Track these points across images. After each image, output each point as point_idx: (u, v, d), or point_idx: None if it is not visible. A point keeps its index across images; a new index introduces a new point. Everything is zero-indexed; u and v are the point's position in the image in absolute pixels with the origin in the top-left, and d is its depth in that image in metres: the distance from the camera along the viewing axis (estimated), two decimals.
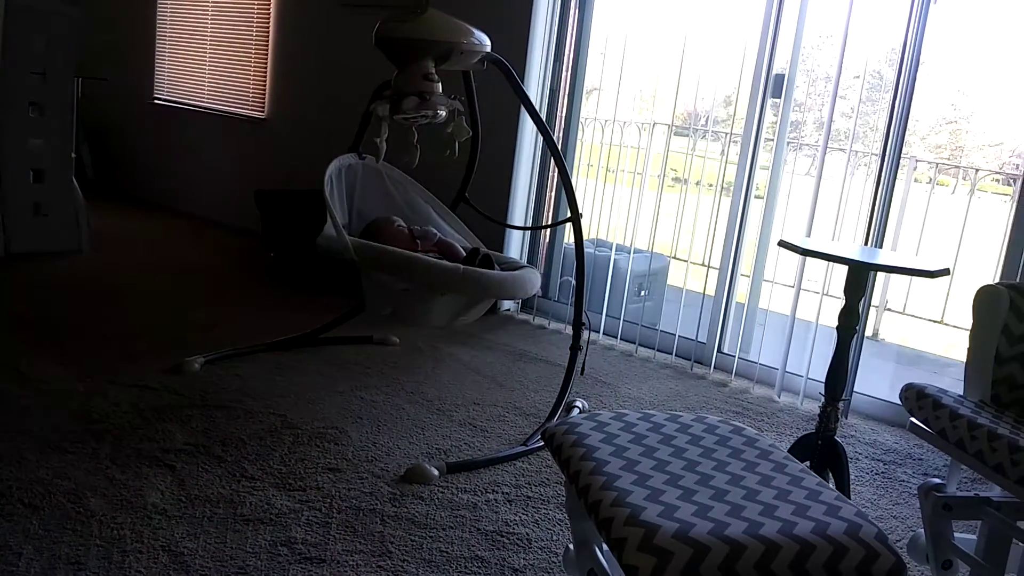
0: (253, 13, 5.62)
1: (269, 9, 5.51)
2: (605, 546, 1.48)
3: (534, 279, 3.04)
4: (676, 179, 4.63)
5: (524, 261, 4.06)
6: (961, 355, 2.83)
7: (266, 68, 5.59)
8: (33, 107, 4.49)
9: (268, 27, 5.54)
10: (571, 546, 1.72)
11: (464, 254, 3.18)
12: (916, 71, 3.35)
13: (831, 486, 1.48)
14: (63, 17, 4.49)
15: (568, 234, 4.53)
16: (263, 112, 5.66)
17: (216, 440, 2.69)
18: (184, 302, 4.15)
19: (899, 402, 2.22)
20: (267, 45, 5.56)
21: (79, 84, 4.79)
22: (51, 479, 2.35)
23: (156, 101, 6.34)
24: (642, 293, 4.51)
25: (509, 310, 4.60)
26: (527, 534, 2.35)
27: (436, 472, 2.61)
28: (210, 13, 5.91)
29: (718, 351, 3.99)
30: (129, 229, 5.63)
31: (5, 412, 2.74)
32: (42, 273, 4.37)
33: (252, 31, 5.64)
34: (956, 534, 2.01)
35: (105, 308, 3.92)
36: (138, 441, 2.63)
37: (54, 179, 4.62)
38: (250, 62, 5.69)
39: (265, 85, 5.62)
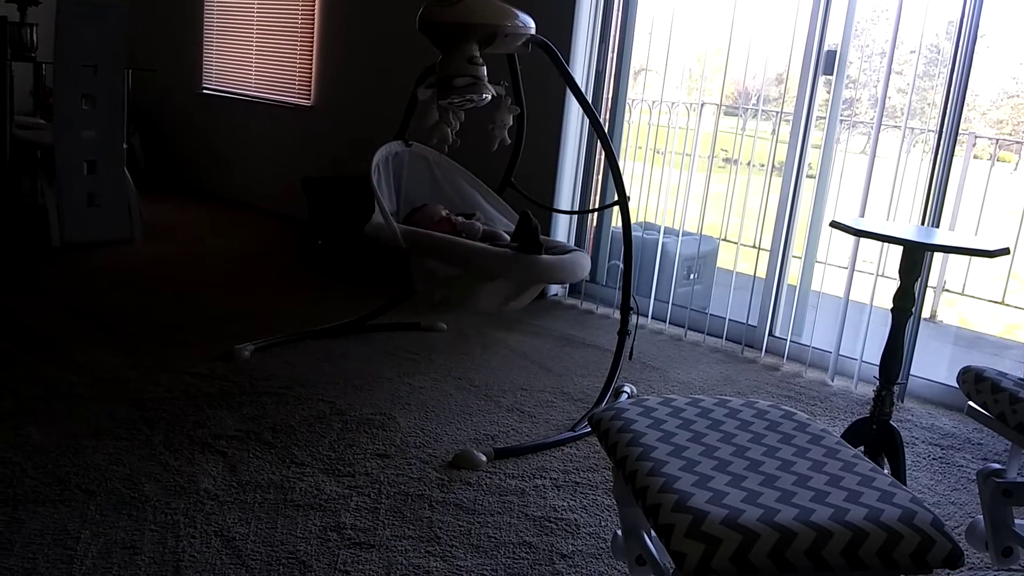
0: (299, 1, 5.64)
1: None
2: (654, 532, 1.47)
3: (584, 262, 3.01)
4: (726, 160, 4.56)
5: (572, 245, 4.03)
6: (1022, 337, 2.75)
7: (312, 56, 5.62)
8: (86, 99, 4.57)
9: (313, 14, 5.56)
10: (619, 532, 1.71)
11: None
12: (974, 44, 3.24)
13: (886, 472, 1.44)
14: (113, 10, 4.56)
15: (616, 218, 4.49)
16: (309, 100, 5.69)
17: (266, 426, 2.72)
18: (233, 290, 4.20)
19: (957, 385, 2.16)
20: (312, 32, 5.59)
21: (129, 76, 4.86)
22: (107, 465, 2.40)
23: (204, 91, 6.41)
24: (691, 276, 4.46)
25: (557, 295, 4.58)
26: (575, 520, 2.33)
27: (484, 458, 2.60)
28: (256, 2, 5.95)
29: (769, 334, 3.92)
30: (179, 218, 5.71)
31: (61, 399, 2.80)
32: (96, 262, 4.45)
33: (298, 19, 5.67)
34: (1017, 520, 1.96)
35: (156, 296, 3.99)
36: (190, 427, 2.67)
37: (107, 170, 4.70)
38: (296, 50, 5.72)
39: (311, 73, 5.65)
